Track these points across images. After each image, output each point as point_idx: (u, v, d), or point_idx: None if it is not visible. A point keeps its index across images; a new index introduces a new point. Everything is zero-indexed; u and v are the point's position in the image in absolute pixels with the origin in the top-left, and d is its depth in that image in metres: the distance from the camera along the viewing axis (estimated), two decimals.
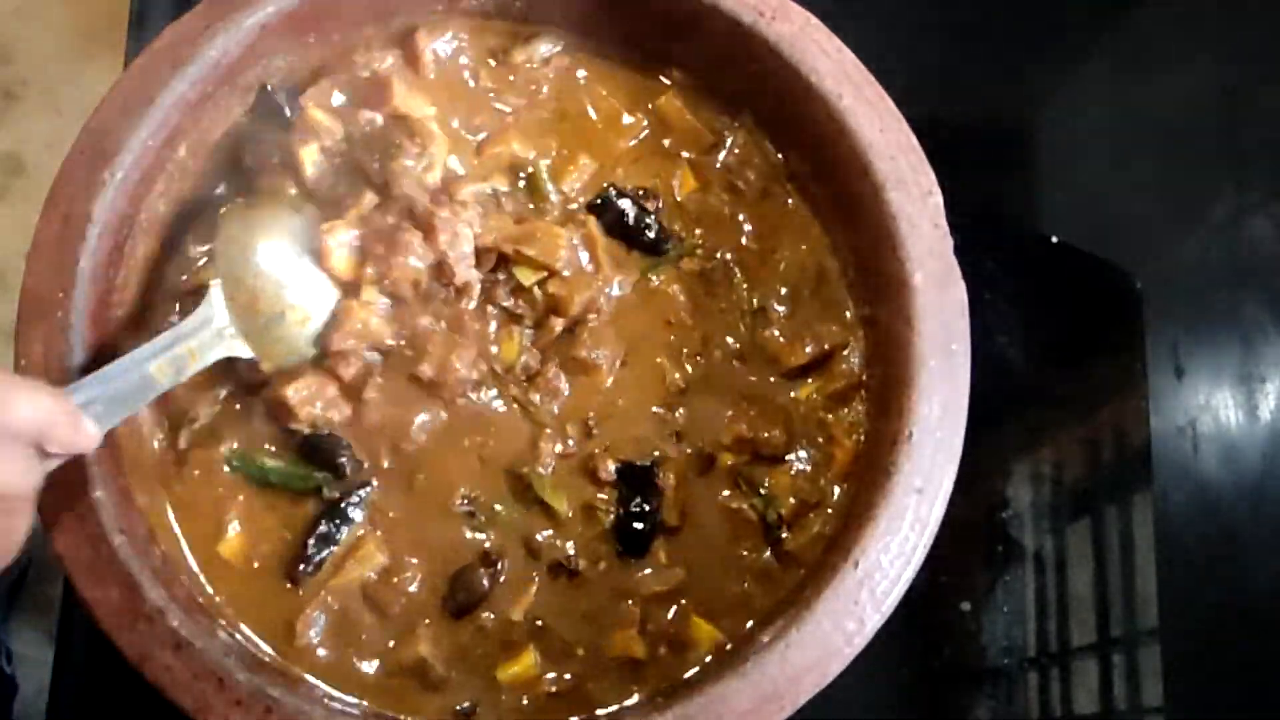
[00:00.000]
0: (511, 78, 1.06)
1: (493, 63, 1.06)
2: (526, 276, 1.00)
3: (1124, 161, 1.26)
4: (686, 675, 0.94)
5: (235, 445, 0.97)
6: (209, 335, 0.91)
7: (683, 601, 0.96)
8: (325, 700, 0.88)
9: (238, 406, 0.98)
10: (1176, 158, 1.27)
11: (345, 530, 0.96)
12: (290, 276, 0.95)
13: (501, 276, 1.00)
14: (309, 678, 0.92)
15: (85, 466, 0.86)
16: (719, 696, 0.85)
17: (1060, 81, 1.29)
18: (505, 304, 1.00)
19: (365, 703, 0.93)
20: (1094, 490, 1.18)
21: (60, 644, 1.08)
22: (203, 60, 0.94)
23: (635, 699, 0.94)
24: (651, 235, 1.03)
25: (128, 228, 0.94)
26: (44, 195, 0.91)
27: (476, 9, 1.05)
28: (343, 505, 0.96)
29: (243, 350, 0.93)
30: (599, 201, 1.04)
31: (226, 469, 0.97)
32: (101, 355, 0.90)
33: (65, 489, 0.85)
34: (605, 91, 1.07)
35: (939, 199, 0.96)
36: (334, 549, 0.95)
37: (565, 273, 0.99)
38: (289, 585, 0.95)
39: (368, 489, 0.97)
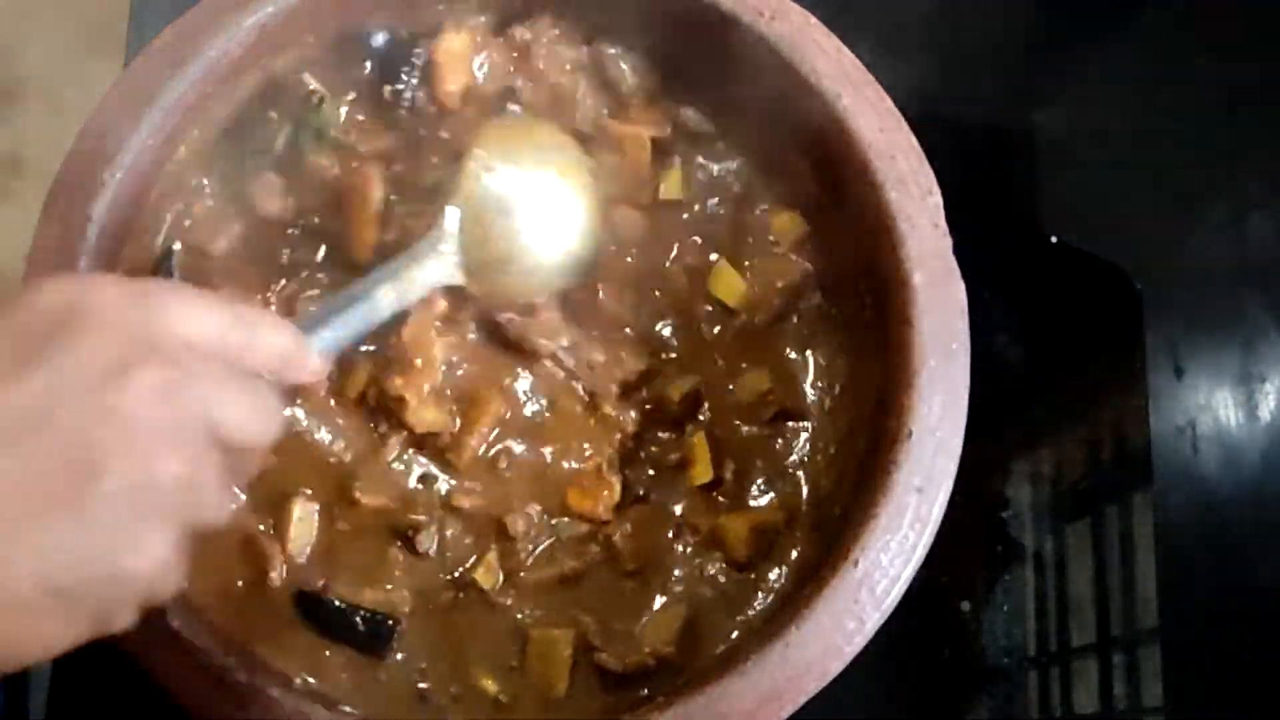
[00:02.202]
0: None
1: None
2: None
3: (1123, 161, 1.26)
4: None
5: None
6: (435, 262, 0.92)
7: None
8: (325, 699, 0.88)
9: None
10: (1176, 157, 1.26)
11: None
12: (532, 216, 0.96)
13: None
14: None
15: None
16: (719, 696, 0.85)
17: (1060, 81, 1.29)
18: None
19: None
20: (1094, 490, 1.18)
21: None
22: (202, 60, 0.94)
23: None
24: None
25: (128, 228, 0.94)
26: (44, 195, 0.91)
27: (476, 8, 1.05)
28: None
29: (462, 281, 0.94)
30: None
31: None
32: None
33: None
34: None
35: (938, 199, 0.96)
36: None
37: None
38: None
39: None
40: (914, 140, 0.97)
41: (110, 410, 0.60)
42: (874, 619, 0.87)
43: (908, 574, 0.89)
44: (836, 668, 0.86)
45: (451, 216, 0.93)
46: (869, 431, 0.98)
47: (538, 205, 0.96)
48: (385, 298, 0.88)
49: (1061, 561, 1.16)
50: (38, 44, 2.26)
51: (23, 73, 2.26)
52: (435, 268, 0.92)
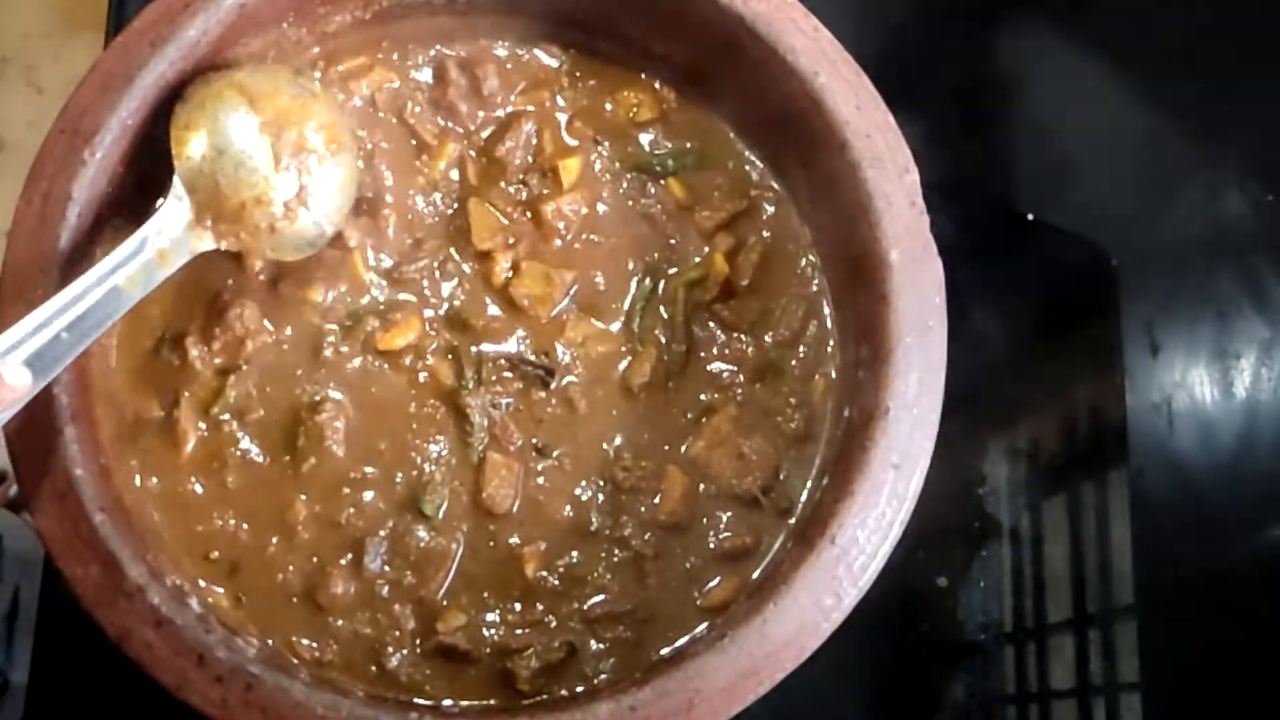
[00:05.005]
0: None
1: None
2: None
3: (1099, 138, 1.26)
4: (663, 651, 0.95)
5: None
6: (180, 232, 0.92)
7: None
8: (305, 676, 0.88)
9: None
10: (1152, 135, 1.27)
11: None
12: (263, 153, 0.95)
13: None
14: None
15: (64, 444, 0.86)
16: (696, 672, 0.85)
17: (1035, 59, 1.29)
18: None
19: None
20: (1070, 466, 1.19)
21: (40, 623, 1.09)
22: (182, 40, 0.94)
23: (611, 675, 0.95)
24: None
25: (108, 206, 0.94)
26: (25, 173, 0.91)
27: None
28: None
29: (219, 244, 0.93)
30: None
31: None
32: None
33: (44, 466, 0.85)
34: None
35: (915, 176, 0.96)
36: None
37: None
38: None
39: None
40: (891, 118, 0.97)
41: None
42: (851, 595, 0.88)
43: (885, 550, 0.89)
44: (814, 644, 0.87)
45: (178, 185, 0.93)
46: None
47: (263, 146, 0.95)
48: (132, 284, 0.88)
49: (1038, 537, 1.17)
50: (19, 23, 2.26)
51: (4, 52, 2.25)
52: (184, 239, 0.92)
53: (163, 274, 0.90)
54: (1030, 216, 1.22)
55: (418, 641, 0.95)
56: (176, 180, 0.92)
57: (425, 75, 1.07)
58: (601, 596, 0.97)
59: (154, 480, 0.96)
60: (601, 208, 1.05)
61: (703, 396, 1.02)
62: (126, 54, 0.94)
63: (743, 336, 1.03)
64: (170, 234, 0.91)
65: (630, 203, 1.06)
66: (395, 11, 1.04)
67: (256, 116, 0.94)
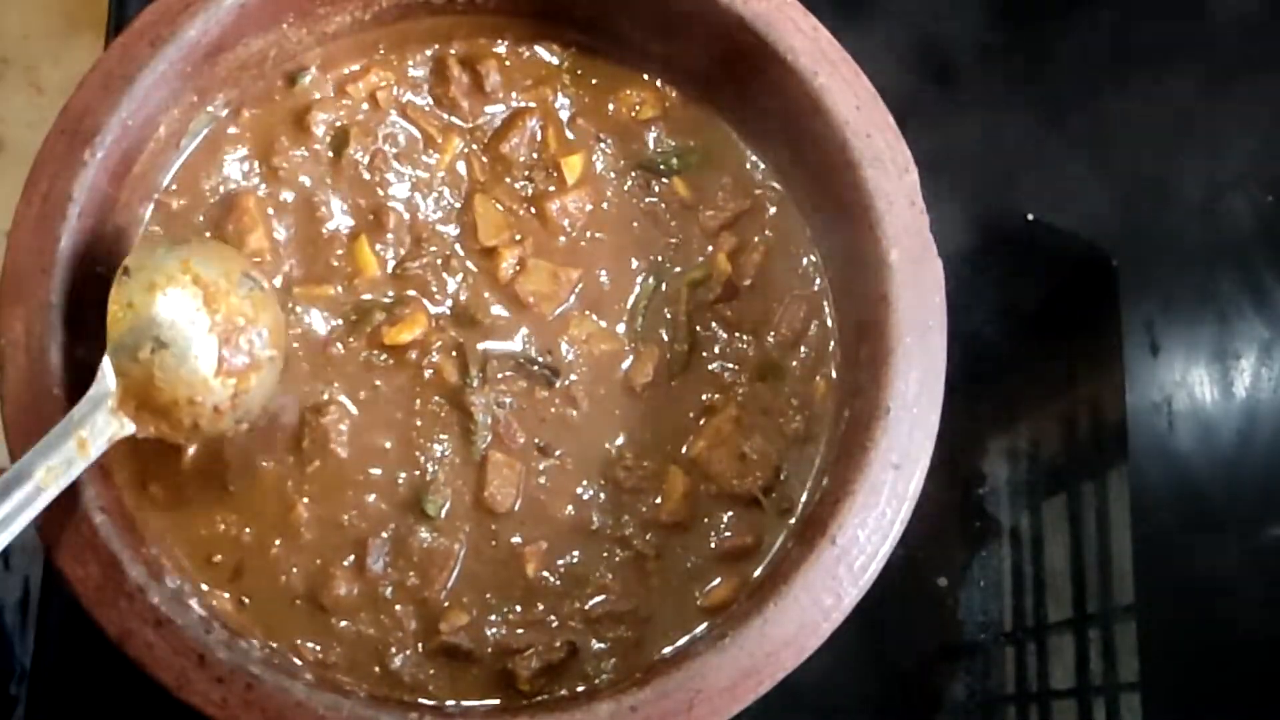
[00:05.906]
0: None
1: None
2: None
3: (1099, 138, 1.26)
4: (664, 651, 0.95)
5: None
6: (103, 419, 0.86)
7: None
8: (306, 675, 0.88)
9: None
10: (1153, 136, 1.27)
11: None
12: (209, 356, 0.89)
13: None
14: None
15: None
16: (697, 672, 0.85)
17: (1036, 58, 1.29)
18: None
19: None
20: (1070, 466, 1.19)
21: (40, 622, 1.08)
22: (182, 40, 0.94)
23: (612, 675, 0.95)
24: None
25: (108, 207, 0.94)
26: (25, 174, 0.91)
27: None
28: None
29: (136, 431, 0.88)
30: None
31: None
32: (78, 333, 0.91)
33: None
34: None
35: (915, 176, 0.96)
36: None
37: None
38: None
39: None
40: (890, 118, 0.97)
41: None
42: (851, 595, 0.88)
43: (885, 550, 0.89)
44: (814, 644, 0.87)
45: (107, 365, 0.86)
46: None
47: (209, 348, 0.89)
48: (50, 477, 0.82)
49: (1038, 537, 1.17)
50: (19, 23, 2.26)
51: (4, 52, 2.25)
52: (105, 426, 0.86)
53: (81, 465, 0.84)
54: (1030, 216, 1.23)
55: (420, 642, 0.95)
56: (106, 363, 0.86)
57: (426, 72, 1.07)
58: (602, 596, 0.97)
59: (157, 487, 0.96)
60: (606, 205, 1.05)
61: (704, 396, 1.02)
62: (126, 54, 0.94)
63: (744, 336, 1.03)
64: (93, 422, 0.85)
65: (634, 200, 1.06)
66: (395, 11, 1.04)
67: (208, 316, 0.89)
